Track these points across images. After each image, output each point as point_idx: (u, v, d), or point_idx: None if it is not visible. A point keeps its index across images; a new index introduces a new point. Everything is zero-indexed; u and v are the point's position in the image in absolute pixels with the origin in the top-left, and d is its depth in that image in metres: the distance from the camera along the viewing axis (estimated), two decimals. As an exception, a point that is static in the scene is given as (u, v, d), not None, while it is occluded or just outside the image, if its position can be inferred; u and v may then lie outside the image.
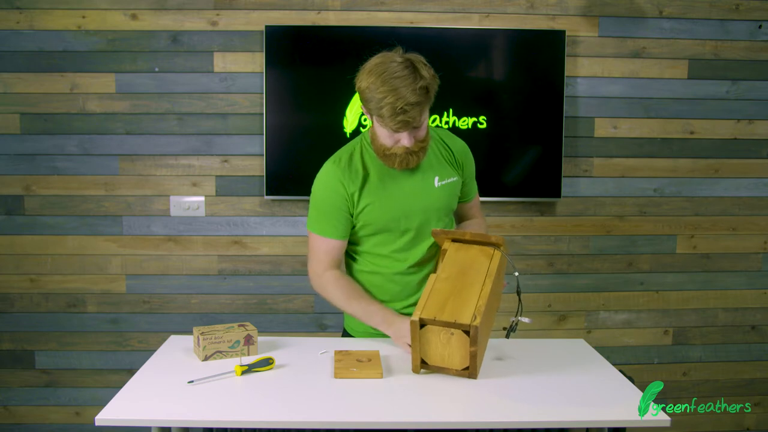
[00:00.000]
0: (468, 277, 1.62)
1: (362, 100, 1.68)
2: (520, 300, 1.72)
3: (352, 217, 1.78)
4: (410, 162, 1.73)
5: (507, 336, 1.71)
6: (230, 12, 2.67)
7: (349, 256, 1.90)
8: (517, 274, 1.71)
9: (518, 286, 1.72)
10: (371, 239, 1.82)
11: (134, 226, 2.75)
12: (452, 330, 1.50)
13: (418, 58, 1.65)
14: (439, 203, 1.82)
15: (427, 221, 1.81)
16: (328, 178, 1.77)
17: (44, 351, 2.79)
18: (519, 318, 1.69)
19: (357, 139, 1.85)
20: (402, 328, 1.67)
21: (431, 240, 1.81)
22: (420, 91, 1.60)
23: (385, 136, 1.69)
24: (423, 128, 1.70)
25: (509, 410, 1.41)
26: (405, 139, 1.67)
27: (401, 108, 1.58)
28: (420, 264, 1.83)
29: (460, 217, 2.02)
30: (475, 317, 1.49)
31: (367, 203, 1.76)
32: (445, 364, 1.55)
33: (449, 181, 1.84)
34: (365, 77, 1.65)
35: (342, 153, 1.81)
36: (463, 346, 1.50)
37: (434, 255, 1.84)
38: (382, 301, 1.82)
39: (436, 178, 1.81)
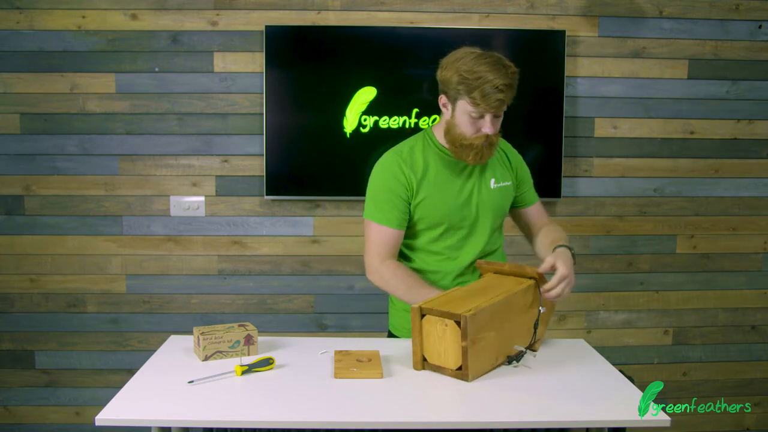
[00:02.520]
0: (487, 292, 1.64)
1: (447, 88, 1.73)
2: (535, 332, 1.70)
3: (410, 206, 1.80)
4: (484, 155, 1.76)
5: (509, 362, 1.64)
6: (230, 12, 2.67)
7: (403, 255, 1.90)
8: (542, 309, 1.71)
9: (537, 320, 1.70)
10: (425, 234, 1.84)
11: (134, 226, 2.75)
12: (446, 321, 1.51)
13: (495, 53, 1.72)
14: (493, 204, 1.85)
15: (479, 220, 1.83)
16: (389, 164, 1.80)
17: (44, 351, 2.79)
18: (525, 349, 1.66)
19: (418, 135, 1.88)
20: None
21: (483, 240, 1.84)
22: (511, 75, 1.68)
23: (466, 124, 1.72)
24: (500, 120, 1.76)
25: (509, 410, 1.41)
26: (488, 126, 1.71)
27: (498, 87, 1.64)
28: (471, 266, 1.84)
29: (527, 228, 2.00)
30: (470, 310, 1.49)
31: (424, 196, 1.78)
32: (442, 362, 1.56)
33: (504, 184, 1.88)
34: (450, 67, 1.71)
35: (402, 146, 1.85)
36: (457, 341, 1.50)
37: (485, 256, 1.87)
38: None
39: (492, 180, 1.85)
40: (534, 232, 1.97)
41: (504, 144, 1.96)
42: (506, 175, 1.90)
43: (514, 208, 1.98)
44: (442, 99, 1.77)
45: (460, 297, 1.60)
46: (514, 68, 1.71)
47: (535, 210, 2.00)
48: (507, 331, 1.61)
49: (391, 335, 1.99)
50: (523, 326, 1.68)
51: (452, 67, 1.70)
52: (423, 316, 1.55)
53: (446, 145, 1.81)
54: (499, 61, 1.69)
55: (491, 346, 1.57)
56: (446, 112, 1.78)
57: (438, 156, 1.82)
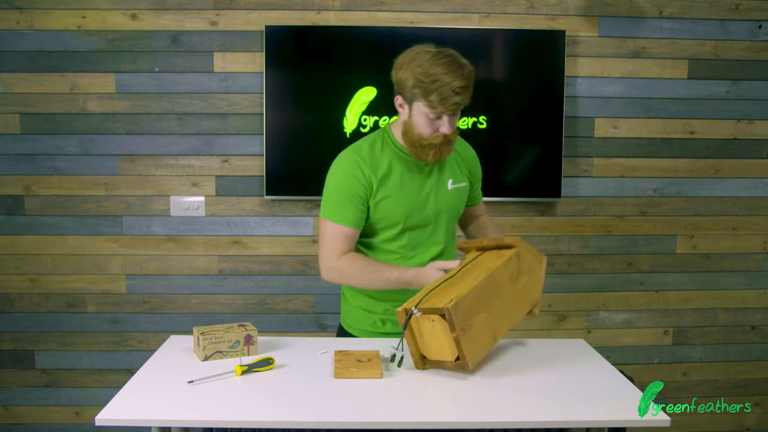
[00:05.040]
0: (468, 274, 1.61)
1: (402, 90, 1.71)
2: None
3: (368, 206, 1.78)
4: (443, 153, 1.75)
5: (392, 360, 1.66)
6: (230, 12, 2.67)
7: (362, 253, 1.89)
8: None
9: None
10: (382, 233, 1.82)
11: (134, 226, 2.75)
12: (433, 317, 1.50)
13: (451, 50, 1.69)
14: (450, 205, 1.85)
15: (437, 221, 1.83)
16: (348, 163, 1.78)
17: (44, 351, 2.79)
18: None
19: (376, 133, 1.86)
20: (428, 274, 1.68)
21: (439, 241, 1.83)
22: (467, 75, 1.66)
23: (424, 124, 1.71)
24: (458, 118, 1.74)
25: (509, 410, 1.41)
26: (445, 126, 1.70)
27: (455, 90, 1.63)
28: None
29: (467, 220, 2.04)
30: (451, 301, 1.47)
31: (384, 196, 1.77)
32: (441, 357, 1.55)
33: (461, 185, 1.88)
34: (404, 68, 1.68)
35: (362, 143, 1.82)
36: (448, 333, 1.49)
37: (442, 256, 1.85)
38: (388, 297, 1.83)
39: (450, 181, 1.85)
40: (471, 221, 2.05)
41: (461, 143, 1.94)
42: (462, 176, 1.89)
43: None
44: (398, 100, 1.76)
45: (441, 288, 1.58)
46: (470, 67, 1.68)
47: (479, 208, 2.05)
48: (498, 308, 1.59)
49: (342, 332, 1.95)
50: (516, 297, 1.65)
51: (407, 69, 1.67)
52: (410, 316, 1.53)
53: (405, 145, 1.78)
54: (455, 60, 1.66)
55: (485, 327, 1.55)
56: (403, 112, 1.76)
57: (397, 155, 1.80)
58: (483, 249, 1.74)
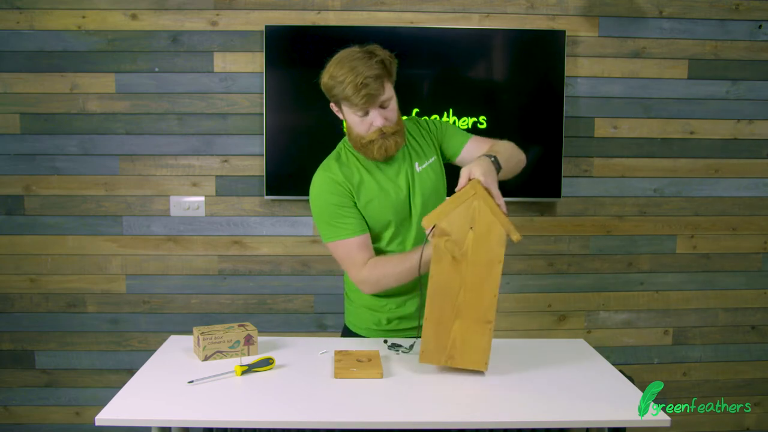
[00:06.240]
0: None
1: (329, 94, 1.73)
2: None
3: (359, 210, 1.77)
4: (389, 148, 1.73)
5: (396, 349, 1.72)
6: (230, 12, 2.67)
7: None
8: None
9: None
10: (380, 240, 1.81)
11: (134, 226, 2.75)
12: None
13: (374, 46, 1.71)
14: (426, 187, 1.82)
15: (425, 207, 1.81)
16: (324, 182, 1.77)
17: (44, 351, 2.79)
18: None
19: (338, 146, 1.87)
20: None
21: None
22: (377, 65, 1.66)
23: (357, 123, 1.72)
24: (392, 109, 1.73)
25: (509, 410, 1.41)
26: (377, 119, 1.69)
27: (362, 82, 1.63)
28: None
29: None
30: (423, 352, 1.56)
31: (367, 200, 1.76)
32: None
33: (429, 162, 1.85)
34: (326, 72, 1.72)
35: (328, 161, 1.82)
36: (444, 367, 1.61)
37: None
38: (393, 294, 1.83)
39: (417, 164, 1.82)
40: None
41: (415, 122, 1.91)
42: (428, 151, 1.85)
43: (452, 162, 1.92)
44: (333, 107, 1.78)
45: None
46: (383, 56, 1.67)
47: (470, 147, 1.87)
48: (467, 298, 1.52)
49: (347, 332, 1.95)
50: (475, 264, 1.52)
51: (325, 75, 1.71)
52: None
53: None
54: (368, 52, 1.67)
55: (468, 328, 1.53)
56: (341, 117, 1.78)
57: (361, 161, 1.80)
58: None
